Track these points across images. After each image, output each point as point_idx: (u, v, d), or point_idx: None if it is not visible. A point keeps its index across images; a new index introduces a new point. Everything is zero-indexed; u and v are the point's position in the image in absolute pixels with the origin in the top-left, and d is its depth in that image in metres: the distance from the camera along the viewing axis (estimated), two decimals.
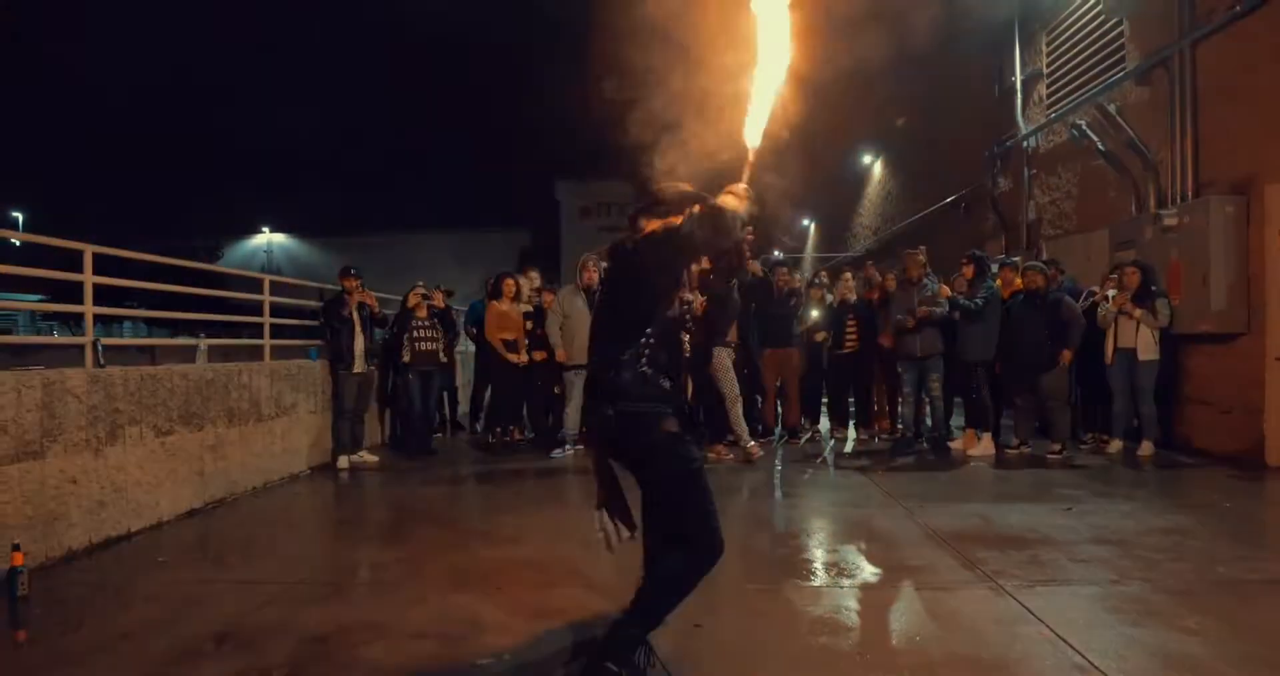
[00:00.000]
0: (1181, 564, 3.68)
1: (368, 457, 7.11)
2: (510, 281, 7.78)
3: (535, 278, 8.49)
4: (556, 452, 7.13)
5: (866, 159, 19.25)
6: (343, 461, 6.83)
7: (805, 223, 26.38)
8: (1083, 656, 2.66)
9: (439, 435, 8.64)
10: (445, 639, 2.91)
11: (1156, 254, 6.88)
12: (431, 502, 5.41)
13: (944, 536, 4.22)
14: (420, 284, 7.73)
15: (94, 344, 4.60)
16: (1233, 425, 6.33)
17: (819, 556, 3.94)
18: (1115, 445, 6.79)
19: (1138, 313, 6.57)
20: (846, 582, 3.52)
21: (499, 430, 7.88)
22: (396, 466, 6.97)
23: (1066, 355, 6.49)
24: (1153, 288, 6.68)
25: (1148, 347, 6.61)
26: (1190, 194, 6.80)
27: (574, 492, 5.99)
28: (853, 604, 3.24)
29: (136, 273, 5.78)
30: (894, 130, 16.69)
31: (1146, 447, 6.64)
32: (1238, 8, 6.20)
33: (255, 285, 7.24)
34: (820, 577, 3.62)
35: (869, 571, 3.67)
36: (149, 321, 18.88)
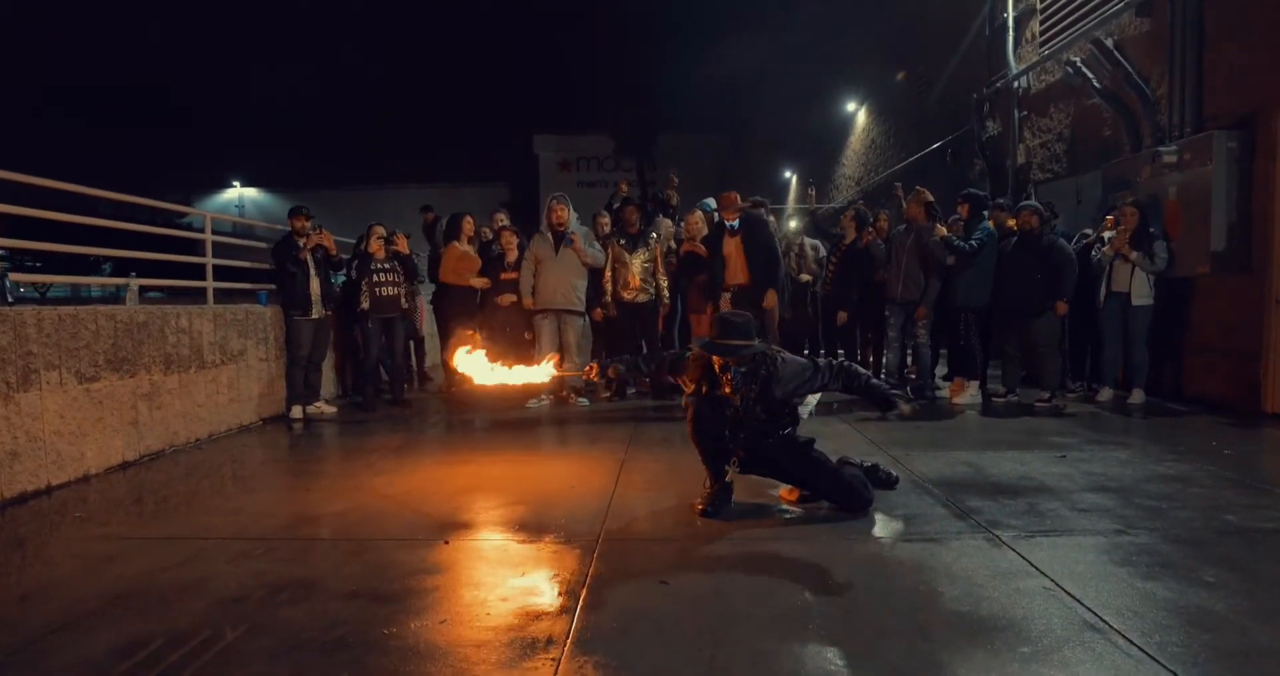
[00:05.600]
0: (1187, 512, 3.41)
1: (325, 408, 6.72)
2: (469, 219, 7.30)
3: (503, 219, 7.98)
4: (531, 402, 6.78)
5: (850, 107, 18.71)
6: (296, 412, 6.44)
7: (786, 174, 25.87)
8: (1094, 613, 2.37)
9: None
10: (378, 598, 2.57)
11: (1153, 193, 6.56)
12: (387, 454, 5.06)
13: (932, 484, 3.94)
14: (376, 225, 7.24)
15: None
16: (1227, 371, 6.10)
17: (797, 507, 3.63)
18: (1106, 393, 6.54)
19: (1134, 255, 6.27)
20: (826, 534, 3.22)
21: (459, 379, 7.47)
22: (355, 417, 6.59)
23: (1061, 307, 6.19)
24: (1151, 229, 6.39)
25: (1141, 292, 6.34)
26: (1190, 130, 6.44)
27: (544, 442, 5.67)
28: (834, 557, 2.94)
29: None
30: (880, 77, 16.19)
31: (1137, 395, 6.42)
32: None
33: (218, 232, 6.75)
34: (798, 529, 3.33)
35: (851, 521, 3.37)
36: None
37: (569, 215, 6.75)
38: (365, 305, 6.91)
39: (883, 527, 3.31)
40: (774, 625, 2.35)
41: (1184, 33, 6.54)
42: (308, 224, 6.55)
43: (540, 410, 6.71)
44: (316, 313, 6.51)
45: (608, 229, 7.39)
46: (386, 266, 7.04)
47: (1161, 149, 6.40)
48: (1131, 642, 2.18)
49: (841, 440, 5.11)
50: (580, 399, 6.94)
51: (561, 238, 6.68)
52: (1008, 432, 5.34)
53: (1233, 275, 5.97)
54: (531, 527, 3.37)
